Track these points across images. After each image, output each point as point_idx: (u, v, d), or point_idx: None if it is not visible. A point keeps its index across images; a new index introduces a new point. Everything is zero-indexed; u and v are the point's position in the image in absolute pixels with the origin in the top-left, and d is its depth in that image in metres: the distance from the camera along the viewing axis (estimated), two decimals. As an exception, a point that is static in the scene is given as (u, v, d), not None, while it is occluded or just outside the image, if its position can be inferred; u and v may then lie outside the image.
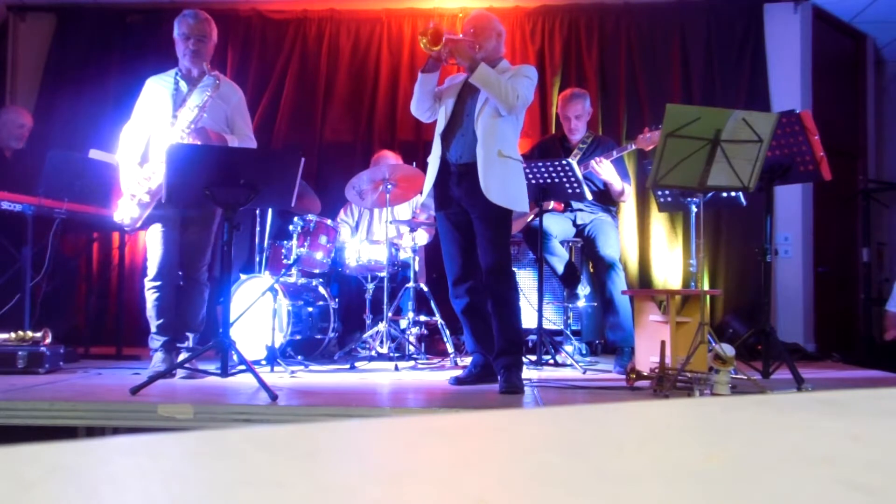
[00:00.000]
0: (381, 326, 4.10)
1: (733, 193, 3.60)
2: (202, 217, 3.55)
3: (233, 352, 3.01)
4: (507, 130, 3.18)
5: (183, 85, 3.52)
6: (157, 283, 3.51)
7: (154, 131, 3.50)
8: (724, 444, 0.57)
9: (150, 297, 3.53)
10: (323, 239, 4.27)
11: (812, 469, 0.48)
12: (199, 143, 3.35)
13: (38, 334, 3.58)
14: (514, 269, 3.34)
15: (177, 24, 3.55)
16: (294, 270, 4.21)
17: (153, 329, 3.54)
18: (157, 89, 3.56)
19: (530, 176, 3.82)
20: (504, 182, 3.12)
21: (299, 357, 4.07)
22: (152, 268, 3.51)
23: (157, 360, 3.50)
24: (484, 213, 3.14)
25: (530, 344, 4.22)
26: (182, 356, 3.54)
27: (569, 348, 4.32)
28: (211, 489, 0.43)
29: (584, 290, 4.51)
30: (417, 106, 3.31)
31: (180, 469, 0.48)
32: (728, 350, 2.81)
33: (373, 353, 4.17)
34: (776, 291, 5.36)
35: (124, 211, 3.43)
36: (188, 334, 3.59)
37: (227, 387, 3.13)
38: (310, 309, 4.23)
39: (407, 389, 3.25)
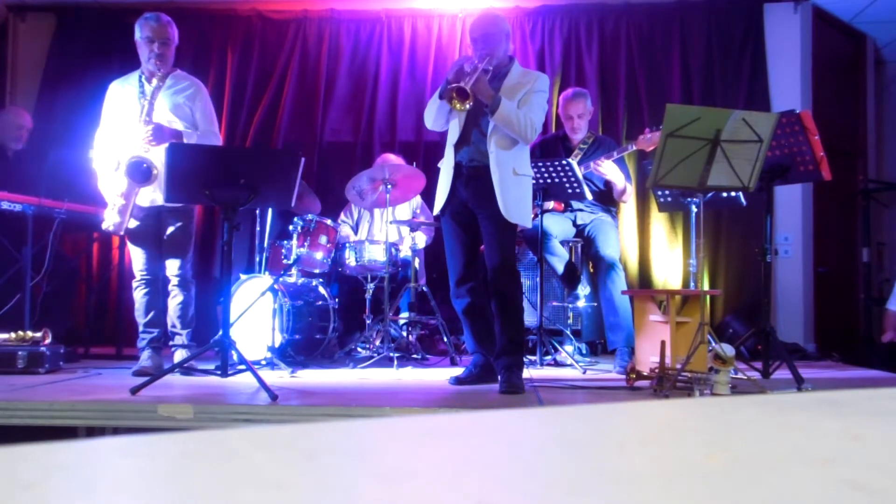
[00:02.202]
0: (381, 326, 4.10)
1: (733, 193, 3.60)
2: (180, 214, 3.61)
3: (233, 352, 3.02)
4: (519, 148, 3.20)
5: (148, 88, 3.54)
6: (143, 282, 3.63)
7: (124, 136, 3.51)
8: (724, 444, 0.57)
9: (138, 296, 3.65)
10: (323, 239, 4.27)
11: (812, 469, 0.48)
12: (154, 140, 3.39)
13: (38, 334, 3.59)
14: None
15: (138, 27, 3.57)
16: (294, 270, 4.21)
17: (140, 328, 3.65)
18: (122, 93, 3.59)
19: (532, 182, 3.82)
20: (519, 201, 3.17)
21: (299, 357, 4.07)
22: (137, 269, 3.64)
23: (144, 358, 3.60)
24: (492, 215, 3.15)
25: (530, 344, 4.22)
26: (179, 354, 3.58)
27: (569, 348, 4.32)
28: (211, 489, 0.43)
29: (584, 290, 4.50)
30: (433, 123, 3.30)
31: (180, 469, 0.48)
32: (728, 350, 2.81)
33: (373, 353, 4.17)
34: (776, 291, 5.36)
35: (109, 218, 3.49)
36: (181, 332, 3.63)
37: (227, 387, 3.13)
38: (310, 309, 4.23)
39: (407, 389, 3.24)
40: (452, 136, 3.25)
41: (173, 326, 3.67)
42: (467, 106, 3.04)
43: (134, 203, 3.46)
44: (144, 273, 3.62)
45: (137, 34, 3.57)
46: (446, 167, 3.27)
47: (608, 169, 4.14)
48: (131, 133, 3.46)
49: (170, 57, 3.57)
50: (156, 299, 3.64)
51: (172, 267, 3.62)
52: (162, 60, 3.52)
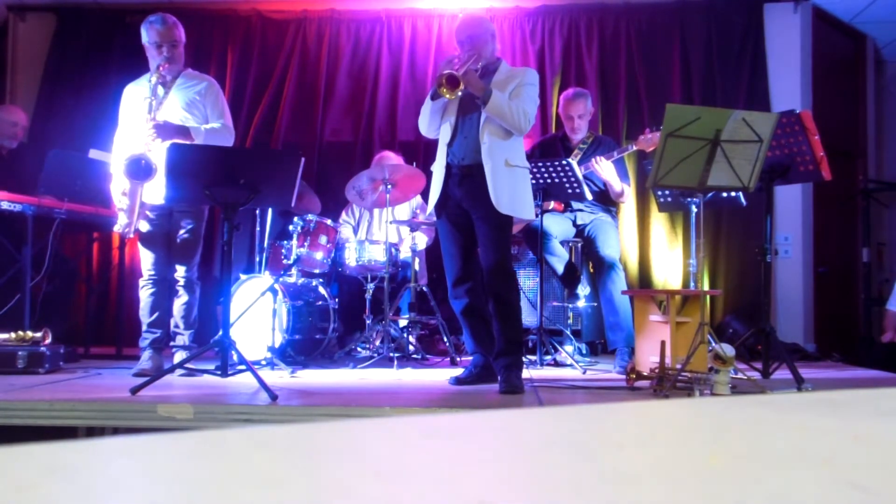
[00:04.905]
0: (381, 327, 4.10)
1: (733, 193, 3.60)
2: (191, 215, 3.62)
3: (233, 352, 3.02)
4: (513, 139, 3.19)
5: (160, 90, 3.55)
6: (151, 282, 3.63)
7: (133, 136, 3.53)
8: (724, 444, 0.57)
9: (144, 295, 3.65)
10: (323, 239, 4.27)
11: (812, 469, 0.48)
12: (159, 137, 3.39)
13: (38, 334, 3.59)
14: (514, 269, 3.34)
15: (145, 31, 3.58)
16: (294, 270, 4.21)
17: (144, 327, 3.65)
18: (136, 94, 3.61)
19: (529, 175, 3.82)
20: (513, 192, 3.15)
21: (299, 357, 4.07)
22: (145, 269, 3.64)
23: (145, 359, 3.60)
24: (486, 215, 3.14)
25: (530, 344, 4.22)
26: (179, 355, 3.58)
27: (569, 348, 4.32)
28: (211, 489, 0.43)
29: (584, 290, 4.50)
30: (429, 127, 3.31)
31: (180, 469, 0.48)
32: (728, 350, 2.81)
33: (373, 353, 4.17)
34: (776, 291, 5.36)
35: (120, 220, 3.52)
36: (183, 332, 3.64)
37: (227, 387, 3.13)
38: (310, 309, 4.23)
39: (407, 389, 3.24)
40: (445, 137, 3.26)
41: (176, 327, 3.67)
42: (458, 94, 3.06)
43: (141, 202, 3.46)
44: (153, 273, 3.62)
45: (144, 38, 3.58)
46: (438, 167, 3.29)
47: (605, 170, 4.13)
48: (138, 132, 3.47)
49: (179, 57, 3.59)
50: (162, 300, 3.65)
51: (181, 270, 3.64)
52: (172, 62, 3.54)
